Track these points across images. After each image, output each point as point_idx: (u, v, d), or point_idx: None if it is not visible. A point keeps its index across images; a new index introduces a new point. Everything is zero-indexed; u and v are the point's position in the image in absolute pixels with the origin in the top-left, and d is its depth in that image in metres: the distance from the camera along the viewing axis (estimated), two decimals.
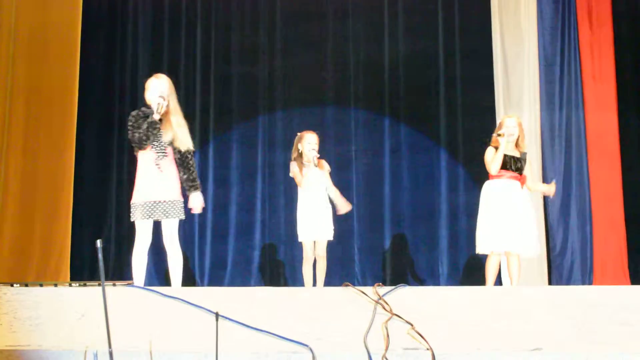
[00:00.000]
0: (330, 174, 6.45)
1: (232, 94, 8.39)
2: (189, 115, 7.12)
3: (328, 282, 6.46)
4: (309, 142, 6.33)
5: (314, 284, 6.35)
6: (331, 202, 6.44)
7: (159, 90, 5.29)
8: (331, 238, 6.40)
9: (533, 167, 7.82)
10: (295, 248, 7.96)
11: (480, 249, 6.25)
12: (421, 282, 7.89)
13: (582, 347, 3.73)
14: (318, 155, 6.26)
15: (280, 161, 8.17)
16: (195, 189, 5.42)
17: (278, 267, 8.14)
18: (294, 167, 6.38)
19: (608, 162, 7.96)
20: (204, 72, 8.40)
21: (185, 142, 5.30)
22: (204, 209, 7.88)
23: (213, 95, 8.37)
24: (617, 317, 3.82)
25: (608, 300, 3.90)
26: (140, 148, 5.26)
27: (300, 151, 6.36)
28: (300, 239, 6.40)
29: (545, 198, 7.90)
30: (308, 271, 6.39)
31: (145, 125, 5.20)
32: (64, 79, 8.02)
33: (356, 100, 8.28)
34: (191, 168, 5.41)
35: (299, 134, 6.45)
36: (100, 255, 2.64)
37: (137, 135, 5.21)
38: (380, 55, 8.29)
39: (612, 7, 8.14)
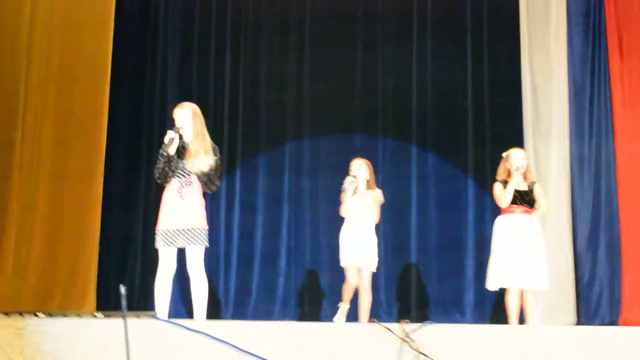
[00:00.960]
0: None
1: (260, 120, 8.41)
2: (216, 141, 7.20)
3: (353, 309, 6.46)
4: (353, 167, 6.48)
5: (359, 314, 6.40)
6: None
7: (179, 121, 5.39)
8: (374, 270, 6.48)
9: (562, 198, 7.78)
10: (320, 275, 8.00)
11: (490, 285, 6.27)
12: (447, 312, 7.81)
13: None
14: (355, 180, 6.39)
15: (307, 188, 8.20)
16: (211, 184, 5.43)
17: (303, 294, 8.09)
18: (346, 193, 6.46)
19: (638, 193, 7.82)
20: (233, 99, 8.42)
21: (203, 166, 5.33)
22: (230, 234, 8.06)
23: (241, 122, 8.39)
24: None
25: (633, 342, 3.82)
26: (161, 184, 5.37)
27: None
28: (342, 264, 6.44)
29: (573, 227, 7.83)
30: (349, 293, 6.42)
31: (161, 164, 5.31)
32: (93, 106, 8.06)
33: (384, 129, 8.27)
34: (212, 179, 5.40)
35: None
36: (124, 303, 2.62)
37: (156, 173, 5.35)
38: (409, 84, 8.29)
39: None
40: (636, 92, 7.99)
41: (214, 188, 5.49)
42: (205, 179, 5.38)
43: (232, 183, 8.28)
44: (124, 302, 2.63)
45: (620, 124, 7.98)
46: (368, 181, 6.52)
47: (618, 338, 3.97)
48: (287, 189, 8.27)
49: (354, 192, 6.44)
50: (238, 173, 8.33)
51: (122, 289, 2.64)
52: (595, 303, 7.77)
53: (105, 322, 4.15)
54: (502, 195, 6.22)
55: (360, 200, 6.45)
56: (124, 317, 2.68)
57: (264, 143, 8.37)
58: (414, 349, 3.77)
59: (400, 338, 3.83)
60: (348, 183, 6.43)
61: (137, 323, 4.07)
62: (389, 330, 3.87)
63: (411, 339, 3.82)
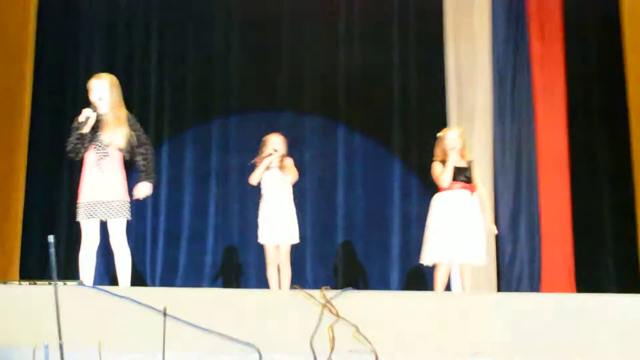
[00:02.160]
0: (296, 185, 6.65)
1: (187, 97, 8.44)
2: (143, 119, 7.22)
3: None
4: (270, 144, 6.54)
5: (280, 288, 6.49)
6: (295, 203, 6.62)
7: (96, 93, 5.38)
8: (297, 241, 6.58)
9: (485, 179, 8.03)
10: (248, 253, 8.05)
11: (426, 260, 6.41)
12: (371, 289, 8.01)
13: (518, 353, 3.90)
14: (276, 154, 6.46)
15: (234, 165, 8.24)
16: (146, 179, 5.49)
17: (230, 272, 8.19)
18: (257, 169, 6.52)
19: (557, 176, 8.14)
20: (158, 74, 8.44)
21: (116, 140, 5.34)
22: (157, 211, 8.09)
23: (168, 98, 8.42)
24: (555, 325, 4.01)
25: (546, 307, 4.09)
26: (74, 158, 5.40)
27: (264, 155, 6.53)
28: (260, 241, 6.53)
29: (495, 209, 8.09)
30: (272, 274, 6.53)
31: (73, 140, 5.34)
32: (16, 79, 7.98)
33: (312, 107, 8.38)
34: (141, 162, 5.47)
35: (264, 138, 6.63)
36: (52, 250, 2.74)
37: (68, 147, 5.36)
38: (336, 63, 8.41)
39: (563, 22, 8.34)
40: (555, 77, 8.26)
41: (150, 170, 5.50)
42: (140, 157, 5.44)
43: (158, 159, 8.15)
44: (52, 250, 2.73)
45: (541, 108, 8.26)
46: (282, 156, 6.58)
47: (532, 303, 4.21)
48: (214, 166, 8.35)
49: (268, 168, 6.50)
50: (163, 150, 8.34)
51: (51, 238, 2.75)
52: (516, 282, 8.04)
53: (31, 288, 4.26)
54: (442, 174, 6.34)
55: (275, 176, 6.52)
56: (52, 268, 2.80)
57: (191, 119, 8.42)
58: (334, 314, 3.96)
59: (321, 304, 4.02)
60: (267, 155, 6.48)
61: (64, 289, 4.16)
62: (311, 296, 4.05)
63: (331, 305, 4.01)
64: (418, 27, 8.46)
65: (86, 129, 5.29)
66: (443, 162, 6.40)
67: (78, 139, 5.32)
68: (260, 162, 6.53)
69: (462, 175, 6.39)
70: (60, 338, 3.09)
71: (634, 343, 3.93)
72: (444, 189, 6.38)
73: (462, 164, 6.44)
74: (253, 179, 6.52)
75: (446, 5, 8.35)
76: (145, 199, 7.66)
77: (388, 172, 8.32)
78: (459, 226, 6.25)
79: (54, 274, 2.87)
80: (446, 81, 8.29)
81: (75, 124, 5.37)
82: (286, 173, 6.54)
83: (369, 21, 8.47)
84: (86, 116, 5.28)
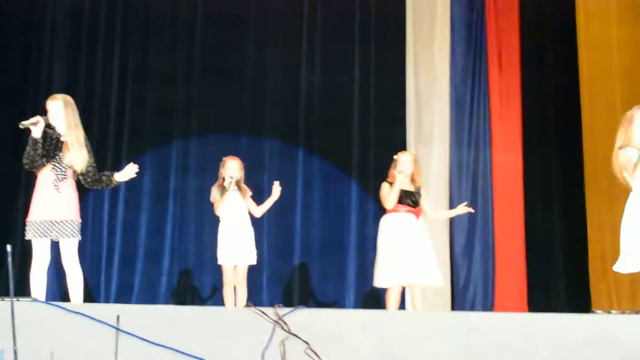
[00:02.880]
0: (252, 197, 6.73)
1: (147, 117, 8.50)
2: (104, 138, 7.24)
3: None
4: (227, 168, 6.59)
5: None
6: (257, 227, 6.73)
7: (52, 114, 5.43)
8: (254, 262, 6.64)
9: (441, 203, 8.20)
10: (204, 275, 8.13)
11: (378, 283, 6.53)
12: None
13: None
14: (232, 181, 6.50)
15: (192, 187, 8.31)
16: (111, 183, 5.64)
17: (186, 293, 8.23)
18: (213, 192, 6.62)
19: (511, 201, 8.33)
20: (119, 94, 8.48)
21: (77, 163, 5.41)
22: (112, 231, 8.08)
23: (128, 118, 8.46)
24: (496, 342, 4.15)
25: (491, 325, 4.23)
26: (32, 170, 5.42)
27: (222, 177, 6.60)
28: (219, 262, 6.58)
29: (451, 234, 8.27)
30: (229, 294, 6.57)
31: (28, 148, 5.34)
32: None
33: (271, 130, 8.48)
34: (97, 180, 5.55)
35: (223, 159, 6.68)
36: (9, 259, 2.82)
37: (25, 160, 5.37)
38: (297, 87, 8.53)
39: (520, 50, 8.55)
40: (512, 105, 8.49)
41: (103, 181, 5.61)
42: (90, 182, 5.51)
43: None
44: (9, 260, 2.82)
45: (497, 134, 8.48)
46: (238, 180, 6.64)
47: (487, 323, 4.31)
48: (173, 187, 8.39)
49: (225, 191, 6.56)
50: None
51: (8, 247, 2.83)
52: (470, 305, 8.19)
53: None
54: (388, 196, 6.46)
55: (233, 198, 6.60)
56: (9, 275, 2.88)
57: (150, 140, 8.46)
58: (286, 330, 4.06)
59: (274, 320, 4.12)
60: (226, 183, 6.56)
61: (17, 305, 4.21)
62: (263, 313, 4.13)
63: (283, 322, 4.11)
64: (379, 52, 8.61)
65: (36, 134, 5.29)
66: (391, 184, 6.51)
67: (30, 145, 5.32)
68: (219, 195, 6.59)
69: (409, 199, 6.51)
70: (15, 349, 3.16)
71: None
72: (390, 211, 6.51)
73: (411, 188, 6.56)
74: (218, 210, 6.59)
75: (408, 31, 8.54)
76: (100, 219, 7.74)
77: (346, 195, 8.43)
78: (408, 249, 6.36)
79: (12, 283, 2.95)
80: (406, 105, 8.44)
81: (21, 127, 5.36)
82: (244, 195, 6.65)
83: (332, 45, 8.61)
84: (35, 120, 5.28)
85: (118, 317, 3.80)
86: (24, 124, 5.31)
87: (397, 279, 6.41)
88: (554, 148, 8.50)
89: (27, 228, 5.36)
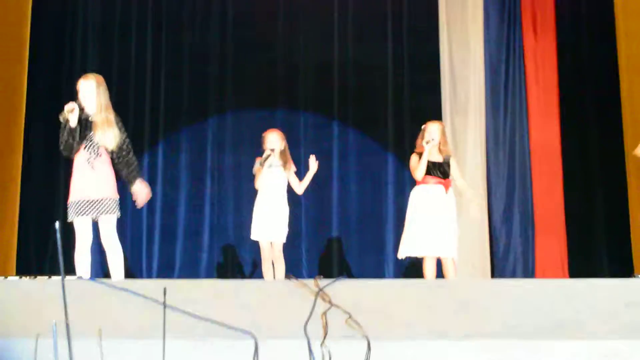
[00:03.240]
0: (296, 173, 6.79)
1: (183, 94, 8.57)
2: (140, 116, 7.33)
3: None
4: (268, 140, 6.65)
5: None
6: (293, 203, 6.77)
7: (83, 93, 5.54)
8: (283, 240, 6.66)
9: (479, 172, 8.23)
10: (244, 251, 8.24)
11: (399, 254, 6.60)
12: None
13: (506, 337, 4.07)
14: (272, 153, 6.53)
15: (229, 163, 8.42)
16: (134, 179, 5.61)
17: (226, 268, 8.35)
18: (256, 165, 6.62)
19: (550, 168, 8.35)
20: (154, 71, 8.57)
21: (109, 141, 5.49)
22: (152, 208, 8.19)
23: (163, 95, 8.55)
24: (543, 309, 4.18)
25: (533, 291, 4.26)
26: (67, 156, 5.53)
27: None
28: (252, 237, 6.67)
29: (490, 202, 8.29)
30: (268, 270, 6.66)
31: (65, 135, 5.45)
32: (11, 80, 8.09)
33: (306, 104, 8.54)
34: (127, 163, 5.62)
35: (263, 134, 6.74)
36: (58, 236, 2.90)
37: (60, 145, 5.50)
38: (330, 60, 8.57)
39: (555, 15, 8.53)
40: (549, 71, 8.46)
41: (133, 166, 5.65)
42: (121, 161, 5.57)
43: (153, 158, 8.44)
44: (58, 236, 2.90)
45: (534, 102, 8.48)
46: (282, 152, 6.67)
47: (527, 290, 4.31)
48: (210, 164, 8.47)
49: (267, 165, 6.59)
50: (160, 148, 8.49)
51: (57, 224, 2.90)
52: (510, 273, 8.22)
53: (32, 282, 4.42)
54: (416, 167, 6.48)
55: (274, 173, 6.62)
56: (59, 252, 2.97)
57: (186, 118, 8.54)
58: (327, 301, 4.11)
59: (315, 292, 4.18)
60: (265, 155, 6.57)
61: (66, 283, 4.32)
62: (305, 285, 4.20)
63: (325, 293, 4.17)
64: (411, 23, 8.61)
65: (73, 123, 5.40)
66: (421, 154, 6.51)
67: (68, 134, 5.43)
68: (260, 166, 6.61)
69: (437, 170, 6.50)
70: (67, 322, 3.26)
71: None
72: (420, 183, 6.53)
73: (439, 158, 6.56)
74: (256, 184, 6.64)
75: (440, 1, 8.52)
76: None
77: (382, 167, 8.49)
78: (430, 221, 6.38)
79: (61, 258, 3.03)
80: (440, 76, 8.46)
81: (61, 120, 5.45)
82: (288, 169, 6.69)
83: (363, 18, 8.62)
84: (71, 107, 5.38)
85: (165, 290, 3.87)
86: (65, 115, 5.40)
87: (415, 251, 6.47)
88: (592, 114, 8.48)
89: (68, 210, 5.50)
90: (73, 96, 7.93)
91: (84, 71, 8.18)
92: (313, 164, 6.79)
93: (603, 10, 8.43)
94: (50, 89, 8.40)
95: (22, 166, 8.12)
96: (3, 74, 8.08)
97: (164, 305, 3.98)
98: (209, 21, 8.66)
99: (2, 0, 8.14)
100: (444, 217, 6.44)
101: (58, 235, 2.86)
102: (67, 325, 3.07)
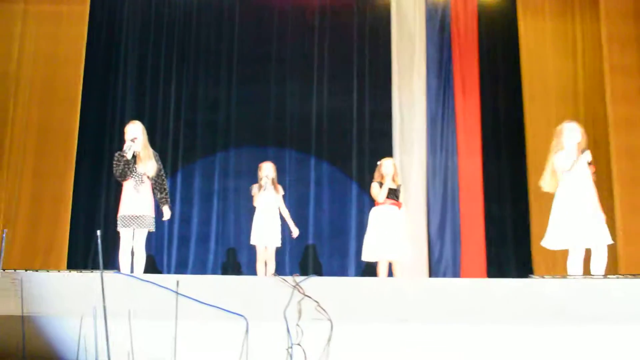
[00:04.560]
0: (283, 197, 6.84)
1: (197, 135, 8.57)
2: (163, 150, 7.43)
3: None
4: (263, 169, 6.75)
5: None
6: (282, 218, 6.81)
7: (131, 134, 5.67)
8: (279, 245, 6.79)
9: (420, 198, 8.26)
10: (241, 253, 8.20)
11: (364, 257, 6.70)
12: None
13: (436, 322, 4.17)
14: (264, 181, 6.64)
15: (231, 187, 8.39)
16: (164, 203, 5.78)
17: (227, 266, 8.30)
18: (254, 189, 6.74)
19: (473, 195, 8.35)
20: (176, 118, 8.56)
21: (150, 170, 5.67)
22: (172, 220, 8.18)
23: (182, 136, 8.54)
24: (462, 300, 4.29)
25: (457, 289, 4.36)
26: (121, 181, 5.64)
27: (260, 177, 6.73)
28: (252, 242, 6.73)
29: (428, 218, 8.30)
30: (261, 268, 6.72)
31: (122, 165, 5.58)
32: (67, 121, 8.10)
33: (290, 143, 8.53)
34: (162, 189, 5.78)
35: (259, 164, 6.82)
36: (99, 241, 2.97)
37: (117, 172, 5.61)
38: (309, 111, 8.59)
39: (479, 80, 8.59)
40: (473, 121, 8.49)
41: (165, 192, 5.81)
42: (158, 186, 5.71)
43: (174, 183, 8.39)
44: (99, 242, 2.96)
45: (462, 144, 8.49)
46: (273, 179, 6.79)
47: (449, 285, 4.48)
48: (217, 187, 8.44)
49: (262, 189, 6.70)
50: (179, 175, 8.47)
51: (98, 233, 2.97)
52: (442, 275, 8.19)
53: (79, 275, 4.47)
54: (379, 193, 6.64)
55: (268, 194, 6.74)
56: (99, 257, 3.05)
57: (199, 152, 8.52)
58: (301, 293, 4.20)
59: (292, 286, 4.26)
60: (264, 182, 6.69)
61: (104, 275, 4.38)
62: (285, 280, 4.29)
63: (300, 287, 4.25)
64: (372, 84, 8.63)
65: (129, 156, 5.57)
66: (380, 183, 6.64)
67: (125, 164, 5.59)
68: (258, 189, 6.72)
69: (393, 194, 6.65)
70: (104, 305, 3.33)
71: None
72: (379, 204, 6.64)
73: (393, 185, 6.69)
74: (255, 203, 6.72)
75: (393, 68, 8.56)
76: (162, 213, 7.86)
77: (347, 192, 8.47)
78: (387, 233, 6.50)
79: (101, 258, 3.11)
80: (392, 124, 8.48)
81: (118, 155, 5.62)
82: (277, 191, 6.77)
83: (335, 78, 8.64)
84: (129, 146, 5.58)
85: (177, 282, 3.94)
86: (126, 151, 5.58)
87: (376, 256, 6.56)
88: (506, 154, 8.53)
89: (118, 222, 5.63)
90: (113, 136, 8.15)
91: (122, 115, 8.35)
92: (295, 231, 6.91)
93: (514, 76, 8.49)
94: (96, 128, 8.41)
95: (73, 185, 8.06)
96: (61, 114, 8.10)
97: (177, 294, 4.05)
98: (218, 79, 8.66)
99: (61, 56, 8.19)
100: (397, 230, 6.55)
101: (99, 240, 2.94)
102: (104, 308, 3.15)
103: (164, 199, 5.83)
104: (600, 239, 5.37)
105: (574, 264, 5.40)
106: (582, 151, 5.43)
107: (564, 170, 5.37)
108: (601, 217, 5.43)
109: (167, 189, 5.91)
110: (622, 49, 8.01)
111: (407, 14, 8.70)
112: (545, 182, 5.59)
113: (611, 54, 8.00)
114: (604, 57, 8.02)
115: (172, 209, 7.83)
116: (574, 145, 5.49)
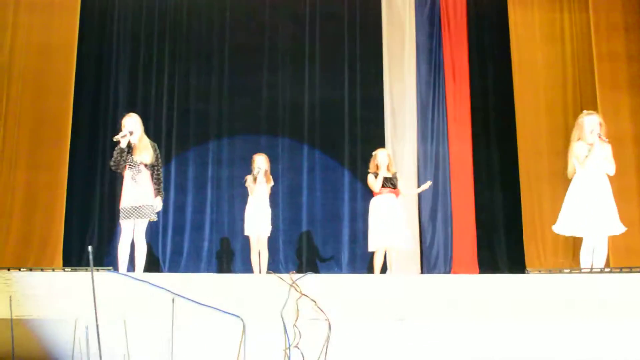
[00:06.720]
0: (272, 187, 6.83)
1: (190, 124, 8.41)
2: (157, 140, 7.25)
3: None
4: (256, 161, 6.69)
5: (260, 269, 6.62)
6: (272, 207, 6.77)
7: (128, 128, 5.53)
8: (268, 234, 6.71)
9: (412, 184, 8.15)
10: (235, 241, 8.09)
11: (369, 248, 6.62)
12: (328, 267, 8.10)
13: (430, 318, 4.05)
14: (257, 172, 6.57)
15: (225, 175, 8.25)
16: (156, 195, 5.64)
17: (222, 255, 8.20)
18: (248, 181, 6.68)
19: (464, 182, 8.28)
20: (169, 107, 8.38)
21: (146, 159, 5.56)
22: (166, 209, 8.07)
23: (175, 125, 8.38)
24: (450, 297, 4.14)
25: (454, 286, 4.22)
26: (117, 171, 5.52)
27: (253, 168, 6.66)
28: (245, 232, 6.64)
29: (419, 204, 8.21)
30: (255, 257, 6.66)
31: (116, 154, 5.47)
32: (60, 113, 7.88)
33: (283, 131, 8.39)
34: (157, 180, 5.63)
35: (253, 156, 6.75)
36: (91, 257, 2.82)
37: (111, 162, 5.53)
38: (302, 99, 8.44)
39: (469, 67, 8.46)
40: (464, 109, 8.39)
41: (159, 184, 5.67)
42: (155, 176, 5.57)
43: (168, 171, 8.21)
44: (91, 257, 2.82)
45: (453, 131, 8.39)
46: (266, 171, 6.69)
47: (441, 282, 4.36)
48: (210, 176, 8.31)
49: (255, 180, 6.63)
50: (172, 164, 8.31)
51: (90, 249, 2.83)
52: (434, 260, 8.16)
53: (73, 274, 4.29)
54: (374, 183, 6.58)
55: (260, 184, 6.65)
56: (91, 269, 2.88)
57: (193, 141, 8.38)
58: (298, 292, 4.05)
59: (289, 284, 4.10)
60: (256, 173, 6.60)
61: (97, 274, 4.19)
62: (281, 279, 4.12)
63: (296, 285, 4.10)
64: (363, 73, 8.50)
65: (123, 144, 5.45)
66: (375, 174, 6.56)
67: (118, 153, 5.48)
68: (252, 180, 6.65)
69: (389, 183, 6.59)
70: (95, 313, 3.15)
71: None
72: (377, 194, 6.58)
73: (389, 175, 6.60)
74: (250, 193, 6.66)
75: (384, 57, 8.45)
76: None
77: (340, 179, 8.37)
78: (387, 221, 6.46)
79: (92, 269, 2.94)
80: (384, 112, 8.36)
81: (116, 143, 5.50)
82: (269, 182, 6.67)
83: (327, 67, 8.50)
84: (124, 134, 5.45)
85: (174, 294, 3.75)
86: (119, 139, 5.48)
87: (379, 245, 6.49)
88: (496, 141, 8.45)
89: (120, 214, 5.51)
90: (107, 127, 7.96)
91: (115, 105, 8.15)
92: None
93: (504, 64, 8.39)
94: (89, 118, 8.22)
95: (68, 175, 7.86)
96: (54, 105, 7.89)
97: (173, 293, 3.89)
98: (210, 69, 8.49)
99: (53, 46, 7.95)
100: (396, 218, 6.53)
101: (91, 257, 2.77)
102: (95, 314, 2.95)
103: (156, 190, 5.67)
104: (611, 228, 5.34)
105: (585, 253, 5.34)
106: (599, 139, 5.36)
107: (581, 159, 5.32)
108: (613, 207, 5.35)
109: (162, 181, 5.73)
110: (610, 37, 7.97)
111: (397, 2, 8.56)
112: (570, 171, 5.53)
113: (599, 42, 7.97)
114: (592, 44, 7.96)
115: (165, 197, 7.74)
116: (592, 135, 5.40)
